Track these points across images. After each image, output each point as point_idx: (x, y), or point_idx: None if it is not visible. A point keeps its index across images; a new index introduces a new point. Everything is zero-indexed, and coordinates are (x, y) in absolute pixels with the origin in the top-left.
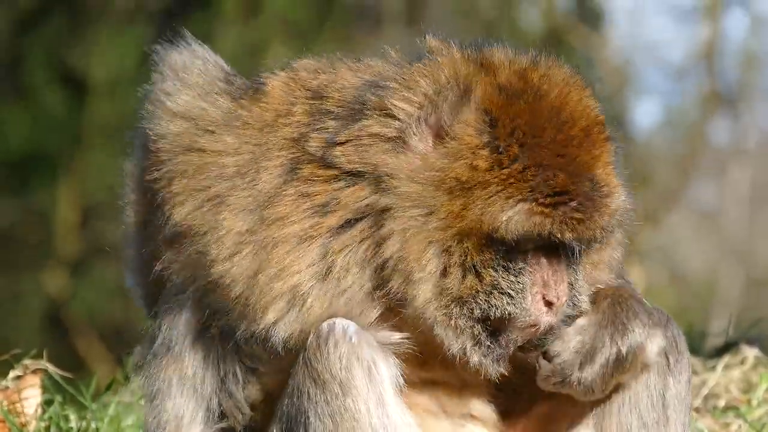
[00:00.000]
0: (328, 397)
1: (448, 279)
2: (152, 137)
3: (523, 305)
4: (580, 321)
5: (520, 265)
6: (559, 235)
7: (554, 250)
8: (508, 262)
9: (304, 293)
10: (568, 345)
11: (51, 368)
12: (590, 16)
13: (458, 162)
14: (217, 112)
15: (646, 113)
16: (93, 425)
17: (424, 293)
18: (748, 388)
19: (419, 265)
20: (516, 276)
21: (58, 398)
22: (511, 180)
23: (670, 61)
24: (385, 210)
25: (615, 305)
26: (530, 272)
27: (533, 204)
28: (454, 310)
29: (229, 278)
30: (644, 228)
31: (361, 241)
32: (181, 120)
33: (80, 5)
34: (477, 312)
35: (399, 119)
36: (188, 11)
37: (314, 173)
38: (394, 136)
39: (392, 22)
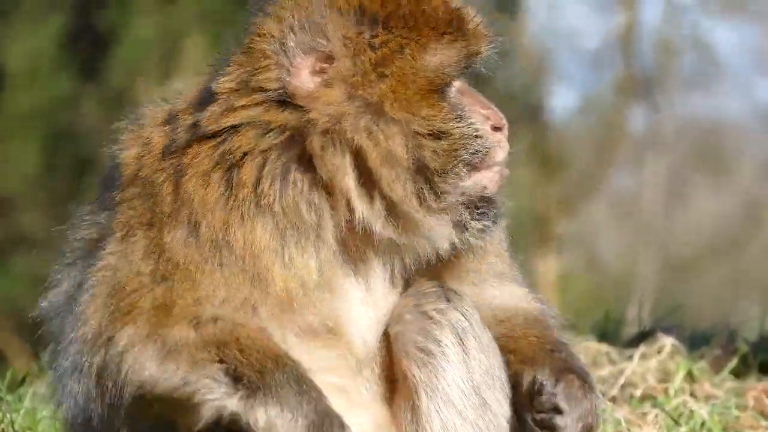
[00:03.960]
0: None
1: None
2: None
3: (474, 125)
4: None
5: (456, 101)
6: (482, 46)
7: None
8: (449, 109)
9: None
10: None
11: None
12: (506, 3)
13: (358, 57)
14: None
15: (563, 100)
16: (8, 417)
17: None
18: (665, 377)
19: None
20: (459, 111)
21: None
22: (409, 33)
23: (587, 49)
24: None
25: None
26: (468, 106)
27: (443, 37)
28: (424, 184)
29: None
30: (561, 215)
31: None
32: None
33: None
34: (462, 159)
35: (272, 59)
36: None
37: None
38: (277, 83)
39: None
